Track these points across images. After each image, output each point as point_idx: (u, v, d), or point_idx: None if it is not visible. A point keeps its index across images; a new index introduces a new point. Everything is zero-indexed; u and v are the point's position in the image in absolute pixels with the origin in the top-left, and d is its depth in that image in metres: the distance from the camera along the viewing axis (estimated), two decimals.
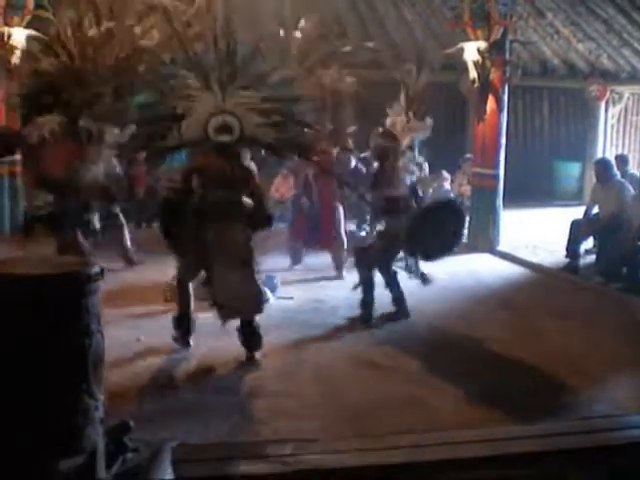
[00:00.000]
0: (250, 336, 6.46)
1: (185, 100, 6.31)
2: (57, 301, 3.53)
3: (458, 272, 10.40)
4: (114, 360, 5.67)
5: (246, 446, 4.69)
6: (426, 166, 13.63)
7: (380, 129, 8.63)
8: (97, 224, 8.39)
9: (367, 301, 7.79)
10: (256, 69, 6.43)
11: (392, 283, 7.78)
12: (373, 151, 7.89)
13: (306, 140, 6.79)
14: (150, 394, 5.64)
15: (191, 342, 6.65)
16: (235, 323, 6.44)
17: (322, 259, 10.28)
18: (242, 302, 6.34)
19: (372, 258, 7.72)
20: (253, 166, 7.22)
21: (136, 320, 7.36)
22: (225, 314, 6.33)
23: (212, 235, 6.23)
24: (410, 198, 7.66)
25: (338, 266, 9.91)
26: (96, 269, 3.75)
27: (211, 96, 6.26)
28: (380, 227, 7.80)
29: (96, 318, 3.74)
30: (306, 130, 6.77)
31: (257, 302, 6.45)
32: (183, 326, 6.64)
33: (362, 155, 13.47)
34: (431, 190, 13.52)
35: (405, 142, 8.27)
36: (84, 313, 3.64)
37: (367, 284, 7.79)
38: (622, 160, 11.84)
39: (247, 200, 6.35)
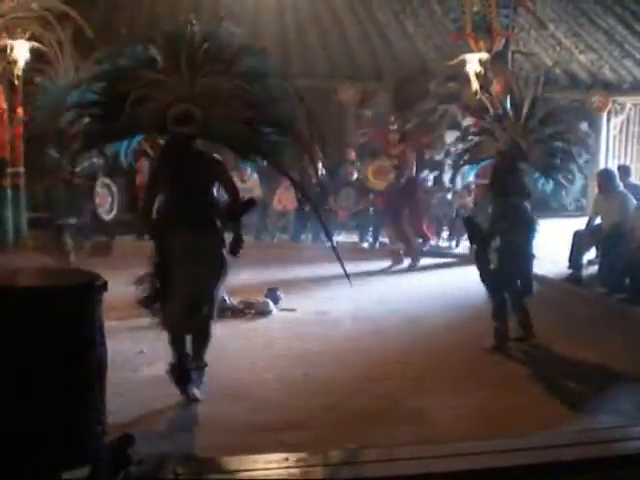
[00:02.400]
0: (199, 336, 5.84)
1: (146, 82, 5.61)
2: (61, 313, 3.53)
3: (461, 284, 10.40)
4: (117, 372, 5.67)
5: (248, 458, 4.68)
6: (430, 177, 13.71)
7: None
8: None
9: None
10: (240, 59, 5.81)
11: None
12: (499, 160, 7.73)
13: (279, 145, 5.87)
14: (153, 407, 5.63)
15: (196, 394, 5.78)
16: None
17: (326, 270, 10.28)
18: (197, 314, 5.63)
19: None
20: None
21: (139, 332, 7.34)
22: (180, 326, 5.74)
23: (180, 246, 5.52)
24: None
25: None
26: (100, 281, 3.75)
27: (177, 79, 5.62)
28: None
29: (99, 330, 3.74)
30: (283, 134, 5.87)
31: (207, 319, 5.73)
32: (181, 377, 5.80)
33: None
34: (435, 201, 13.57)
35: None
36: (88, 325, 3.64)
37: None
38: (624, 171, 11.82)
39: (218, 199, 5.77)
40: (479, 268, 7.45)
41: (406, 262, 11.97)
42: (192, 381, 5.79)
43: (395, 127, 11.98)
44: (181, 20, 5.95)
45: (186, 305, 5.52)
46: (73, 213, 10.90)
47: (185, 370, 5.77)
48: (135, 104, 5.51)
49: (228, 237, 5.76)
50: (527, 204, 7.36)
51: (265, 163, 6.20)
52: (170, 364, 5.75)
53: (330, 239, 6.76)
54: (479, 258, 7.49)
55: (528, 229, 7.30)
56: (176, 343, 5.75)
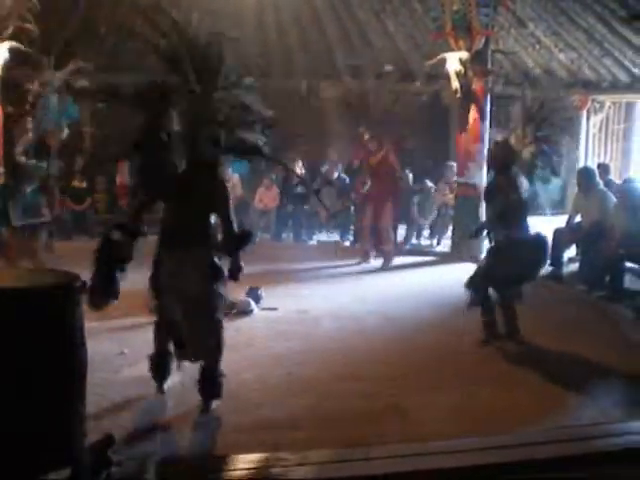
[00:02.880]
0: (206, 382, 5.62)
1: (169, 101, 5.55)
2: (40, 314, 3.51)
3: (442, 282, 10.46)
4: (98, 373, 5.65)
5: (230, 458, 4.67)
6: (410, 176, 13.73)
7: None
8: None
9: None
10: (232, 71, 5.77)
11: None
12: (491, 161, 7.72)
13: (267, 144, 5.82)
14: (134, 408, 5.61)
15: (166, 388, 5.83)
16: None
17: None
18: (199, 346, 5.61)
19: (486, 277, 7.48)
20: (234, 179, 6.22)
21: (120, 333, 7.32)
22: (181, 355, 5.73)
23: (171, 264, 5.46)
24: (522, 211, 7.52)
25: None
26: (79, 281, 3.74)
27: (192, 98, 5.55)
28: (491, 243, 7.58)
29: (79, 331, 3.72)
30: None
31: (215, 347, 5.61)
32: (159, 370, 5.82)
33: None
34: (416, 199, 13.60)
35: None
36: (67, 326, 3.63)
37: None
38: (604, 169, 11.91)
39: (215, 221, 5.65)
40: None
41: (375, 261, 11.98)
42: (169, 375, 5.83)
43: (368, 136, 11.93)
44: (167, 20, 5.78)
45: (175, 336, 5.62)
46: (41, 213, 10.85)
47: (164, 363, 5.79)
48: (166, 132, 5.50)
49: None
50: (520, 205, 7.38)
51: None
52: (150, 355, 5.80)
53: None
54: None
55: (522, 233, 7.33)
56: (160, 334, 5.75)
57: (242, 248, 5.63)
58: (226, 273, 5.62)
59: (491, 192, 7.56)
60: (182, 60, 5.54)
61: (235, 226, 5.59)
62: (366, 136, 11.93)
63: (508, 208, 7.24)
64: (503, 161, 7.47)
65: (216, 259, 5.57)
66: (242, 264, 5.67)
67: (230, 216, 5.58)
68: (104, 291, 5.25)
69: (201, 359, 5.63)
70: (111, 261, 5.28)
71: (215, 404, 5.62)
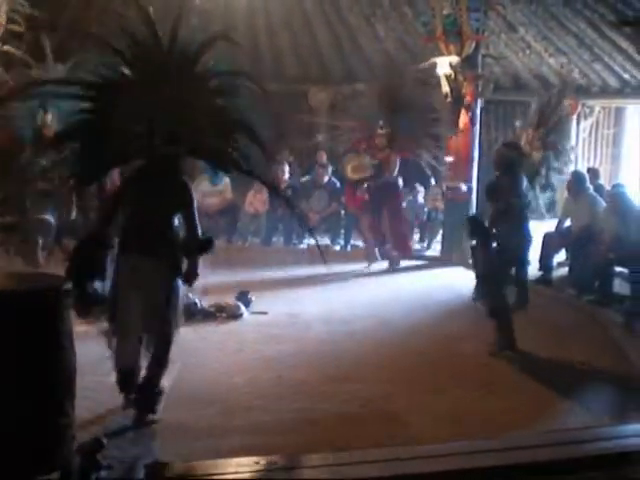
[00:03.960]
0: (143, 394, 5.44)
1: (125, 95, 5.36)
2: (27, 317, 3.50)
3: (433, 286, 10.48)
4: (87, 376, 5.62)
5: (221, 462, 4.66)
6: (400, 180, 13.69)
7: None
8: None
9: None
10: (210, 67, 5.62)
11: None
12: (495, 160, 7.69)
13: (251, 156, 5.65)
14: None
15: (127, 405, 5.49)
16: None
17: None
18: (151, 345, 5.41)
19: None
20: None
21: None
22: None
23: (128, 267, 5.30)
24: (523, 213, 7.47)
25: None
26: (67, 285, 3.72)
27: (154, 92, 5.35)
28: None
29: (68, 334, 3.71)
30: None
31: (162, 356, 5.41)
32: (126, 385, 5.49)
33: None
34: (404, 204, 13.58)
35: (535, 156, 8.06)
36: (56, 329, 3.61)
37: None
38: (593, 173, 11.93)
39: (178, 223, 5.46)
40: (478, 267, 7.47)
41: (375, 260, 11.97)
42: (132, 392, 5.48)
43: (383, 131, 11.84)
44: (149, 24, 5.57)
45: (133, 334, 5.36)
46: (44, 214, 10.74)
47: (131, 377, 5.46)
48: (117, 127, 5.28)
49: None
50: (522, 208, 7.38)
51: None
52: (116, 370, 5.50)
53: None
54: (478, 257, 7.49)
55: (521, 235, 7.32)
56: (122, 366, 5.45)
57: (202, 254, 5.46)
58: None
59: (493, 192, 7.53)
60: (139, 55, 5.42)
61: (199, 230, 5.44)
62: (379, 130, 11.80)
63: (509, 210, 7.24)
64: (509, 162, 7.45)
65: (178, 263, 5.42)
66: (198, 271, 5.50)
67: (193, 219, 5.42)
68: (82, 303, 5.12)
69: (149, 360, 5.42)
70: (82, 275, 5.11)
71: (150, 418, 5.40)
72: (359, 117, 12.33)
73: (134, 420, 5.36)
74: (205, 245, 5.47)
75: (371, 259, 11.95)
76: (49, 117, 10.33)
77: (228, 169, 6.06)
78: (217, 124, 5.57)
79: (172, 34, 5.46)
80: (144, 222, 5.31)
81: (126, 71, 5.49)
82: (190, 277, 5.49)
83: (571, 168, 12.47)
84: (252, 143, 5.58)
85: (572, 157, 9.86)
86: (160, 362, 5.42)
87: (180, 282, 5.45)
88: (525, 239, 7.42)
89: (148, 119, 5.33)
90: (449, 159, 12.21)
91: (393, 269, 11.84)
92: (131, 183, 5.55)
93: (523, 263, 7.48)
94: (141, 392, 5.43)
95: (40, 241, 10.52)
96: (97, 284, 5.21)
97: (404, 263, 12.31)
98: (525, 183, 7.53)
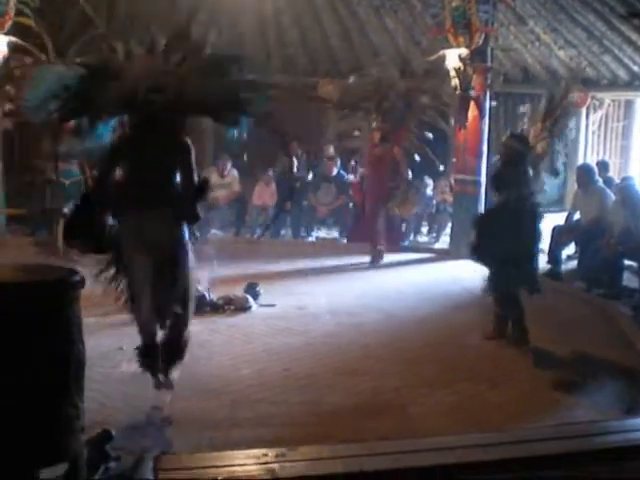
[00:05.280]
0: (171, 345, 5.52)
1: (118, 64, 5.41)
2: (37, 309, 3.51)
3: (441, 278, 10.48)
4: (96, 368, 5.65)
5: (228, 454, 4.67)
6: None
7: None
8: None
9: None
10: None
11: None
12: (501, 152, 7.66)
13: (260, 103, 5.47)
14: (132, 403, 5.60)
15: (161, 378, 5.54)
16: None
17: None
18: (169, 298, 5.35)
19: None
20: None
21: (118, 328, 7.30)
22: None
23: (134, 227, 5.24)
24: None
25: None
26: (77, 277, 3.73)
27: (149, 59, 5.44)
28: None
29: (77, 326, 3.72)
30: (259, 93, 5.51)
31: (185, 301, 5.42)
32: (149, 358, 5.51)
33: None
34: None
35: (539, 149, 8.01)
36: (65, 321, 3.62)
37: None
38: (603, 166, 11.91)
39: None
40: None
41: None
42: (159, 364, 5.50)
43: (375, 125, 11.75)
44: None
45: (151, 296, 5.28)
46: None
47: (156, 353, 5.47)
48: (109, 82, 5.25)
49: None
50: (531, 199, 7.34)
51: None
52: (138, 348, 5.52)
53: None
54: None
55: (530, 225, 7.28)
56: (146, 332, 5.47)
57: (199, 198, 5.35)
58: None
59: (500, 182, 7.48)
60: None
61: (195, 178, 5.35)
62: (374, 124, 11.72)
63: (517, 201, 7.21)
64: (516, 153, 7.40)
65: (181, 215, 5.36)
66: (199, 212, 5.40)
67: (191, 171, 5.32)
68: (82, 233, 5.21)
69: (170, 314, 5.41)
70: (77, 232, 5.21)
71: (176, 370, 5.53)
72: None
73: (162, 369, 5.49)
74: (201, 189, 5.35)
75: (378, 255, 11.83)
76: None
77: (235, 119, 5.59)
78: (214, 80, 5.47)
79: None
80: (144, 178, 5.23)
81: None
82: (191, 219, 5.41)
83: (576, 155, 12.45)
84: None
85: (570, 139, 9.84)
86: (185, 303, 5.43)
87: (187, 236, 5.41)
88: (535, 232, 7.36)
89: (138, 74, 5.30)
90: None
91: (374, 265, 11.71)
92: (126, 138, 5.47)
93: (533, 255, 7.43)
94: (168, 344, 5.49)
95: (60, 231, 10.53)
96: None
97: (414, 256, 12.31)
98: (530, 174, 7.47)
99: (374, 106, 11.53)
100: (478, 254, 7.45)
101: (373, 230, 11.63)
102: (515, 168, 7.29)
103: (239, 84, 5.46)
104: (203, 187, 5.35)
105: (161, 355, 5.50)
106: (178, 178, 5.33)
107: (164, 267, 5.26)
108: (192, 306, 5.53)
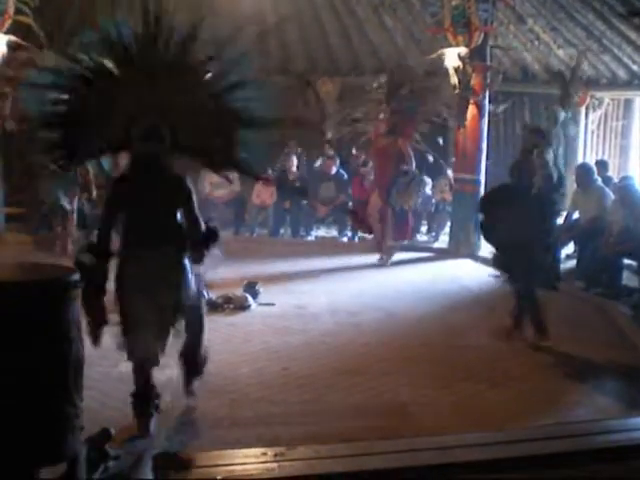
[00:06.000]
0: (189, 356, 5.46)
1: (100, 90, 5.07)
2: (36, 308, 3.50)
3: (440, 278, 10.48)
4: (95, 367, 5.64)
5: (228, 453, 4.67)
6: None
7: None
8: None
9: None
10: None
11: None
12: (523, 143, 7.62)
13: (254, 153, 5.38)
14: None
15: (151, 429, 5.09)
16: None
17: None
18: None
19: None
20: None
21: (116, 327, 7.29)
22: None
23: (134, 269, 5.02)
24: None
25: None
26: (76, 276, 3.72)
27: (135, 85, 5.09)
28: None
29: (76, 325, 3.71)
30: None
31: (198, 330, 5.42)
32: (143, 409, 5.16)
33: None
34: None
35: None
36: (64, 320, 3.62)
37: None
38: (602, 166, 11.90)
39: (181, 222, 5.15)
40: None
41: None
42: (153, 415, 5.17)
43: (382, 116, 11.67)
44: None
45: (151, 334, 5.03)
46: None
47: (148, 401, 5.17)
48: (92, 121, 5.06)
49: None
50: (549, 191, 7.31)
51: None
52: (132, 394, 5.19)
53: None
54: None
55: (546, 216, 7.25)
56: (138, 372, 5.18)
57: (208, 247, 5.18)
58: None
59: (513, 169, 7.44)
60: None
61: (201, 224, 5.15)
62: (381, 115, 11.75)
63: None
64: (529, 144, 7.38)
65: (186, 259, 5.16)
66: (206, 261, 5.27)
67: (194, 214, 5.11)
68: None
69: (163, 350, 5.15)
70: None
71: (197, 381, 5.53)
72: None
73: (183, 385, 5.46)
74: (210, 238, 5.20)
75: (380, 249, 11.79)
76: None
77: (226, 170, 5.69)
78: (207, 121, 5.28)
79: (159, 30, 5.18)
80: (144, 222, 5.05)
81: (110, 64, 5.17)
82: (198, 260, 5.24)
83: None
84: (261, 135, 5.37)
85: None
86: (196, 338, 5.41)
87: (190, 273, 5.20)
88: (546, 221, 7.31)
89: (127, 114, 5.08)
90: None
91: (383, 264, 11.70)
92: (120, 183, 5.19)
93: (547, 246, 7.39)
94: (185, 356, 5.42)
95: (60, 229, 10.51)
96: None
97: (414, 255, 12.30)
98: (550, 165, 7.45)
99: (385, 96, 11.55)
100: (486, 233, 7.44)
101: (383, 226, 11.58)
102: (529, 157, 7.27)
103: (234, 123, 5.28)
104: (213, 235, 5.21)
105: (180, 368, 5.47)
106: (179, 217, 5.15)
107: (166, 307, 5.05)
108: (205, 327, 5.51)
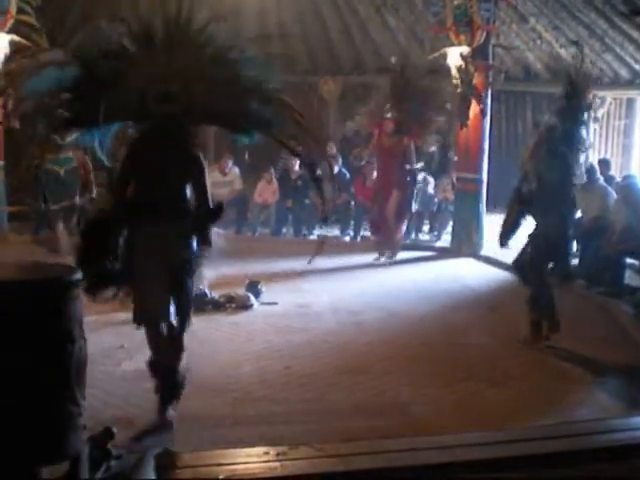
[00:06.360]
0: (167, 383, 5.28)
1: (118, 63, 5.12)
2: (38, 307, 3.50)
3: (442, 277, 10.47)
4: (98, 366, 5.64)
5: (230, 452, 4.67)
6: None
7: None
8: None
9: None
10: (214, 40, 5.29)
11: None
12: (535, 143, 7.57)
13: (273, 115, 5.38)
14: (134, 401, 5.61)
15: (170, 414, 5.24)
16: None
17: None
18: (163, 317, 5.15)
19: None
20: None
21: (119, 326, 7.29)
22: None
23: (141, 242, 5.10)
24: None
25: None
26: (78, 274, 3.72)
27: (152, 61, 5.16)
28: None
29: (78, 324, 3.71)
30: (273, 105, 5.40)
31: (180, 328, 5.25)
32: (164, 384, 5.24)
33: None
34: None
35: None
36: (66, 319, 3.62)
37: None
38: (605, 164, 11.88)
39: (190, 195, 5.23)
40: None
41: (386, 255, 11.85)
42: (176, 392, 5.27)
43: (390, 115, 11.64)
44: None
45: (155, 296, 5.06)
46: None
47: (169, 375, 5.23)
48: (110, 88, 4.99)
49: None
50: (567, 185, 7.27)
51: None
52: (149, 361, 5.28)
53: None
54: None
55: (563, 210, 7.23)
56: (154, 338, 5.23)
57: (214, 223, 5.29)
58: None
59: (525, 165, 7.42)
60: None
61: (209, 200, 5.22)
62: (387, 114, 11.75)
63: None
64: (540, 144, 7.32)
65: (193, 235, 5.23)
66: (211, 240, 5.30)
67: (204, 190, 5.20)
68: (94, 284, 4.95)
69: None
70: (93, 256, 4.97)
71: (172, 409, 5.27)
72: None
73: (157, 410, 5.25)
74: (216, 213, 5.25)
75: (382, 251, 11.82)
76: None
77: (246, 130, 5.55)
78: (224, 88, 5.30)
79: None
80: (154, 192, 5.12)
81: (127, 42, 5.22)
82: (204, 244, 5.29)
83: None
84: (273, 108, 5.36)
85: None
86: (177, 344, 5.26)
87: (195, 252, 5.27)
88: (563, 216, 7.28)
89: (143, 79, 5.11)
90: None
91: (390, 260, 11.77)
92: (135, 151, 5.28)
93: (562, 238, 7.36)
94: (162, 380, 5.26)
95: (61, 227, 10.48)
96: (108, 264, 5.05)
97: (416, 254, 12.31)
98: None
99: (390, 96, 11.55)
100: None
101: (392, 223, 11.59)
102: (540, 152, 7.23)
103: (249, 90, 5.30)
104: (218, 211, 5.24)
105: (157, 390, 5.28)
106: (189, 193, 5.22)
107: (170, 278, 5.10)
108: (187, 325, 5.32)
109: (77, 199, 10.47)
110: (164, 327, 5.18)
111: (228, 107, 5.30)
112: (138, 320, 5.18)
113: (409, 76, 11.70)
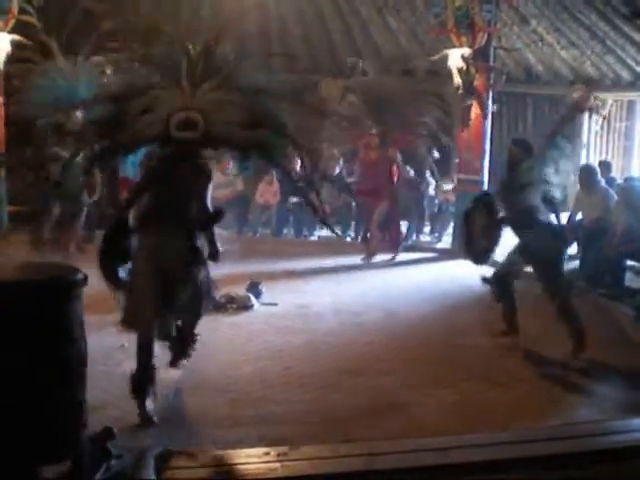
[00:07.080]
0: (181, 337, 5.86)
1: (149, 96, 5.53)
2: (39, 307, 3.51)
3: (443, 278, 10.46)
4: (98, 366, 5.64)
5: (230, 452, 4.67)
6: (411, 172, 13.65)
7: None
8: None
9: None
10: (235, 70, 5.73)
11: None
12: (508, 157, 7.51)
13: (280, 145, 5.76)
14: (134, 401, 5.60)
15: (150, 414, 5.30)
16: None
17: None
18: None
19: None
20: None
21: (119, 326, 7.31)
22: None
23: (146, 249, 5.45)
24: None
25: None
26: (79, 275, 3.73)
27: (178, 93, 5.54)
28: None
29: (79, 324, 3.72)
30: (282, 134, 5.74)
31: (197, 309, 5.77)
32: (140, 390, 5.37)
33: None
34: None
35: None
36: (67, 319, 3.62)
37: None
38: (605, 167, 11.88)
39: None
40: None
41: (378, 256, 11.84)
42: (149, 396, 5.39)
43: (374, 131, 11.65)
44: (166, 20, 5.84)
45: (149, 304, 5.35)
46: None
47: (147, 382, 5.37)
48: (138, 117, 5.44)
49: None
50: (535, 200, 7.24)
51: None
52: (131, 375, 5.35)
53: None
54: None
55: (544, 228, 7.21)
56: (144, 349, 5.36)
57: (214, 224, 5.66)
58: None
59: (502, 187, 7.40)
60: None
61: (209, 205, 5.62)
62: (372, 130, 11.72)
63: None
64: (515, 158, 7.28)
65: (198, 242, 5.62)
66: (219, 247, 5.71)
67: (206, 197, 5.60)
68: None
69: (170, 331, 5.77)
70: (113, 261, 5.40)
71: (183, 363, 5.90)
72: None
73: (169, 362, 5.83)
74: (215, 216, 5.62)
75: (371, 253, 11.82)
76: (78, 113, 10.13)
77: (252, 155, 5.96)
78: (238, 117, 5.58)
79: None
80: (165, 204, 5.46)
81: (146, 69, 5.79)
82: (214, 255, 5.69)
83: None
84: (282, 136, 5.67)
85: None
86: (193, 320, 5.80)
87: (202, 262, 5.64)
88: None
89: (166, 107, 5.46)
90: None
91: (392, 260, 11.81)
92: (155, 171, 5.75)
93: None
94: (178, 336, 5.79)
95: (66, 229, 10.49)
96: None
97: (417, 256, 12.30)
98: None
99: (369, 113, 11.57)
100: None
101: (375, 233, 11.66)
102: (517, 173, 7.16)
103: (262, 121, 5.60)
104: (216, 217, 5.64)
105: (170, 348, 5.84)
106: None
107: (174, 282, 5.44)
108: (204, 311, 5.83)
109: (83, 201, 10.51)
110: (156, 333, 5.50)
111: (242, 136, 5.57)
112: (127, 324, 5.55)
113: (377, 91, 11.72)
